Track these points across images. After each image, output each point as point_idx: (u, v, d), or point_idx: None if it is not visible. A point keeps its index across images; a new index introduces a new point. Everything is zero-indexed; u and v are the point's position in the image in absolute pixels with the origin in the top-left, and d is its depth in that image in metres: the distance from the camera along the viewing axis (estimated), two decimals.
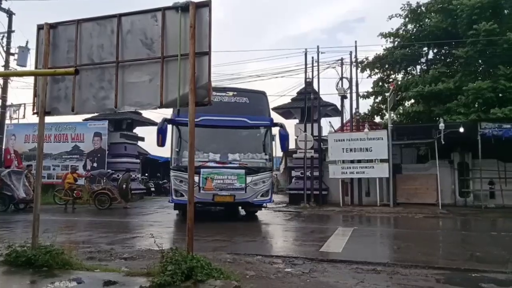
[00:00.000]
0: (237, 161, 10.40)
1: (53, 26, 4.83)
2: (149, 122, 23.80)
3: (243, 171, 10.18)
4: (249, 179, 10.15)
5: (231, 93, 11.02)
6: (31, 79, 5.46)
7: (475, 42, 15.69)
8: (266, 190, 10.43)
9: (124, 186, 15.59)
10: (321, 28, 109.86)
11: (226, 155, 10.47)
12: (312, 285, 4.28)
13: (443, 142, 13.60)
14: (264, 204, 11.23)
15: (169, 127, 10.57)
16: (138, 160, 22.29)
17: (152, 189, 23.75)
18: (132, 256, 5.56)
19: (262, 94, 11.75)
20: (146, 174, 26.22)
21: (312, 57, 17.51)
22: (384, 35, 19.95)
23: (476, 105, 15.71)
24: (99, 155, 19.44)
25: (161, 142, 9.70)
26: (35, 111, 4.83)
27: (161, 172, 28.34)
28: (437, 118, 15.41)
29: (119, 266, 4.81)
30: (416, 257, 5.73)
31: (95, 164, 19.18)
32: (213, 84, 4.79)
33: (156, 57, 4.39)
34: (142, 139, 23.78)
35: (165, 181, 25.63)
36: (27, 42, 17.34)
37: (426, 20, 19.27)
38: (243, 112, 10.70)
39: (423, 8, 19.29)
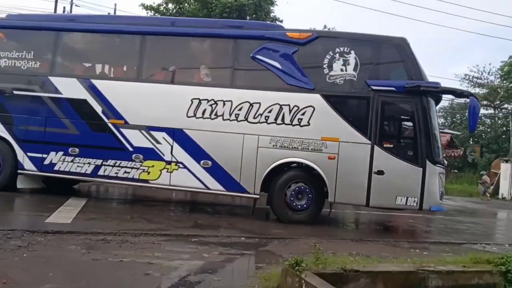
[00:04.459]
0: None
1: None
2: None
3: None
4: None
5: None
6: None
7: None
8: None
9: None
10: None
11: None
12: (29, 259, 3.85)
13: None
14: None
15: None
16: None
17: None
18: None
19: None
20: None
21: (64, 7, 15.50)
22: (146, 7, 19.82)
23: None
24: None
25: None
26: None
27: None
28: None
29: None
30: (146, 226, 5.99)
31: None
32: None
33: None
34: None
35: None
36: None
37: (186, 5, 20.37)
38: None
39: None
